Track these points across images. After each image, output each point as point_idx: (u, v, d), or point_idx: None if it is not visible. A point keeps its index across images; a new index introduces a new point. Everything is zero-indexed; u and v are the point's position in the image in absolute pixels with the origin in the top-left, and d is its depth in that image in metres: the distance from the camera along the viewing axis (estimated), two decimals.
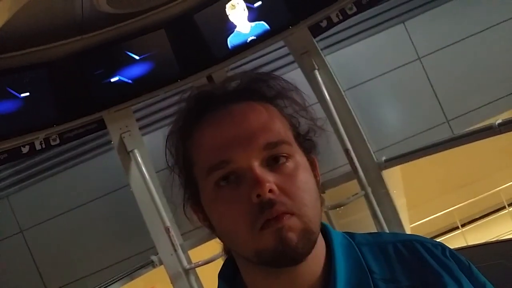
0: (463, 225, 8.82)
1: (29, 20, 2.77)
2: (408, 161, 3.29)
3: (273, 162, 0.74)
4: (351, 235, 0.85)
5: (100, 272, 4.64)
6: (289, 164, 0.74)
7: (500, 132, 2.97)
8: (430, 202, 8.09)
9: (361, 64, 4.81)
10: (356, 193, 3.28)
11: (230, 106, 0.77)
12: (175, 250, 3.41)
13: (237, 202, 0.72)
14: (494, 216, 9.17)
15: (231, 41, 3.20)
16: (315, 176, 0.79)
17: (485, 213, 9.31)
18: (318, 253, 0.78)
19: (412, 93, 5.05)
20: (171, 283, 3.47)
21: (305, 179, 0.75)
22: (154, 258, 3.49)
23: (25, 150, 3.27)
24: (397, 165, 3.29)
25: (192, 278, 3.43)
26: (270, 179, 0.71)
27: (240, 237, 0.73)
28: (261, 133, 0.74)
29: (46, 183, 4.83)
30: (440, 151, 3.16)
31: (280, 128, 0.76)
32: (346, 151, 3.33)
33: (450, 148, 3.11)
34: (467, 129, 3.09)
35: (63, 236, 4.76)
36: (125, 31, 3.15)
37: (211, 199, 0.76)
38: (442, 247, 0.82)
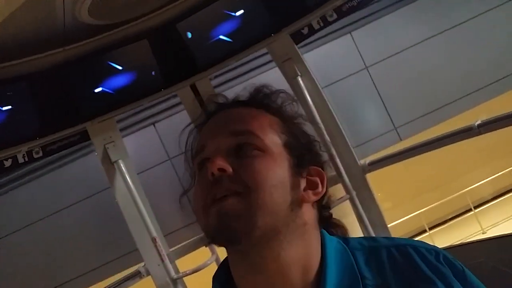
0: (430, 228, 8.98)
1: (10, 33, 2.74)
2: (392, 164, 3.33)
3: (242, 150, 0.80)
4: (346, 240, 0.88)
5: (83, 276, 4.62)
6: (254, 153, 0.80)
7: (480, 133, 3.04)
8: (399, 206, 8.24)
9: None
10: (341, 197, 3.31)
11: (229, 110, 0.88)
12: (162, 260, 3.39)
13: (202, 181, 0.81)
14: (461, 218, 9.37)
15: (214, 49, 3.22)
16: (301, 182, 0.85)
17: (453, 215, 9.52)
18: (308, 255, 0.81)
19: (360, 101, 5.19)
20: None
21: (265, 165, 0.79)
22: (141, 269, 3.47)
23: (7, 163, 3.23)
24: (381, 167, 3.33)
25: None
26: (224, 160, 0.78)
27: (198, 213, 0.81)
28: (231, 123, 0.83)
29: (27, 187, 4.81)
30: (422, 153, 3.22)
31: (256, 124, 0.83)
32: (330, 156, 3.37)
33: (433, 149, 3.17)
34: (444, 133, 3.13)
35: (45, 240, 4.73)
36: (107, 42, 3.14)
37: (196, 183, 0.85)
38: (436, 252, 0.83)
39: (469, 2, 5.30)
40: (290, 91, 1.01)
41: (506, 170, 8.99)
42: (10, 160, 3.23)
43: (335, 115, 3.41)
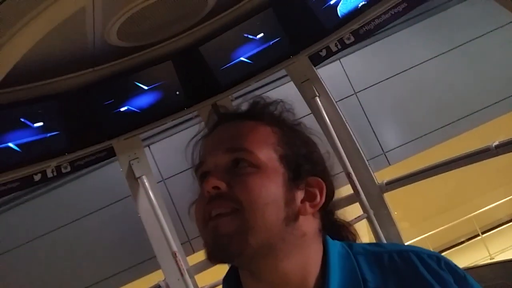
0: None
1: (43, 54, 2.91)
2: (409, 184, 3.35)
3: (236, 167, 0.83)
4: (349, 245, 0.89)
5: (103, 281, 4.74)
6: (249, 169, 0.82)
7: (497, 154, 3.04)
8: (406, 229, 8.12)
9: (297, 102, 4.97)
10: (358, 216, 3.34)
11: (229, 123, 0.91)
12: (182, 275, 3.46)
13: (200, 198, 0.84)
14: (468, 243, 9.14)
15: (235, 70, 3.34)
16: (297, 195, 0.85)
17: (461, 240, 9.31)
18: (308, 263, 0.83)
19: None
20: None
21: (259, 183, 0.80)
22: (161, 283, 3.54)
23: (37, 178, 3.38)
24: (398, 187, 3.35)
25: None
26: (219, 178, 0.81)
27: (198, 229, 0.84)
28: (227, 140, 0.86)
29: (43, 199, 4.97)
30: (439, 173, 3.22)
31: (251, 139, 0.85)
32: (348, 175, 3.41)
33: (449, 170, 3.17)
34: (463, 153, 3.15)
35: (58, 250, 4.87)
36: (134, 63, 3.30)
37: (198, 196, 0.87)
38: (438, 257, 0.83)
39: (456, 30, 5.34)
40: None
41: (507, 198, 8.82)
42: (39, 175, 3.38)
43: (353, 135, 3.47)
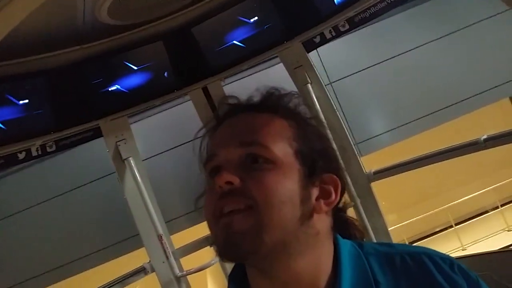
0: (410, 243, 9.00)
1: (31, 29, 2.82)
2: (397, 173, 3.37)
3: (251, 162, 0.79)
4: (360, 245, 0.88)
5: (87, 256, 4.74)
6: (264, 166, 0.79)
7: (486, 147, 3.07)
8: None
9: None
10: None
11: (241, 115, 0.87)
12: (167, 258, 3.45)
13: (211, 193, 0.81)
14: (442, 234, 9.37)
15: (227, 54, 3.29)
16: (322, 193, 0.83)
17: (434, 231, 9.55)
18: (320, 259, 0.81)
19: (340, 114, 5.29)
20: None
21: (274, 180, 0.78)
22: (146, 265, 3.52)
23: (21, 156, 3.31)
24: (386, 177, 3.37)
25: (184, 286, 3.47)
26: (232, 173, 0.77)
27: (208, 224, 0.81)
28: (242, 133, 0.82)
29: (34, 169, 4.91)
30: (427, 165, 3.25)
31: (266, 133, 0.82)
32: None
33: (437, 162, 3.20)
34: (451, 145, 3.17)
35: (50, 221, 4.84)
36: (124, 42, 3.22)
37: (206, 190, 0.84)
38: (451, 261, 0.82)
39: (446, 17, 5.34)
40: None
41: (489, 188, 9.02)
42: (24, 153, 3.31)
43: (343, 123, 3.47)
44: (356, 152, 3.48)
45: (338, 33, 3.24)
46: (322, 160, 0.86)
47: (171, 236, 3.66)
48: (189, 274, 3.46)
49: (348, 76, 5.27)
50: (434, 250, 0.86)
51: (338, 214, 0.91)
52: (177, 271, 3.44)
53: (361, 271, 0.81)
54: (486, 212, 9.69)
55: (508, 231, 8.89)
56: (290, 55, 3.36)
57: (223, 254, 0.78)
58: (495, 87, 5.35)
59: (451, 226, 9.14)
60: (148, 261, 3.51)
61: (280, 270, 0.79)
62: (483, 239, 8.77)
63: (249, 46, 3.24)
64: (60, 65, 3.17)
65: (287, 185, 0.79)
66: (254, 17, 3.18)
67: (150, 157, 4.93)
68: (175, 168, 4.91)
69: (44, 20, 2.78)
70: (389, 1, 3.06)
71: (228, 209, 0.76)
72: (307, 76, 3.35)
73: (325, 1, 3.06)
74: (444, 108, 5.28)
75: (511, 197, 9.84)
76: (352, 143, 3.47)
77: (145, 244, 3.51)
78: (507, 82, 5.36)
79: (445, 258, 0.83)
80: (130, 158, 3.46)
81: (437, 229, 9.50)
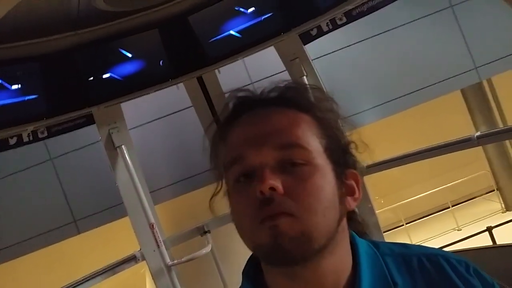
0: None
1: (24, 13, 2.78)
2: (389, 168, 3.40)
3: (290, 165, 0.76)
4: (375, 244, 0.87)
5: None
6: (304, 169, 0.76)
7: (478, 144, 3.10)
8: None
9: None
10: None
11: (261, 110, 0.81)
12: (158, 246, 3.46)
13: (246, 197, 0.76)
14: (392, 232, 9.51)
15: (223, 44, 3.26)
16: (342, 189, 0.80)
17: (386, 229, 9.74)
18: (342, 259, 0.80)
19: None
20: (153, 279, 3.52)
21: (317, 186, 0.76)
22: (137, 253, 3.53)
23: (12, 141, 3.28)
24: (379, 171, 3.39)
25: (174, 275, 3.48)
26: (275, 178, 0.74)
27: (244, 229, 0.78)
28: (276, 134, 0.77)
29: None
30: (420, 160, 3.28)
31: (300, 133, 0.78)
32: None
33: (430, 157, 3.23)
34: (443, 142, 3.20)
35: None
36: (119, 29, 3.18)
37: (231, 193, 0.80)
38: (467, 264, 0.82)
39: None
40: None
41: (440, 187, 9.13)
42: (15, 138, 3.28)
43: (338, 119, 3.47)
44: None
45: (335, 26, 3.24)
46: (346, 156, 0.84)
47: (155, 206, 3.69)
48: (180, 263, 3.47)
49: (329, 53, 5.22)
50: (450, 252, 0.86)
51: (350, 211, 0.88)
52: (168, 260, 3.45)
53: (378, 272, 0.81)
54: (438, 211, 9.80)
55: (458, 230, 8.99)
56: (286, 47, 3.35)
57: (270, 259, 0.76)
58: (477, 67, 5.35)
59: (401, 225, 9.23)
60: (139, 249, 3.52)
61: (311, 270, 0.77)
62: (434, 237, 8.86)
63: (245, 36, 3.22)
64: (53, 50, 3.12)
65: (328, 189, 0.77)
66: (251, 8, 3.15)
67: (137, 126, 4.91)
68: (162, 138, 4.89)
69: (38, 5, 2.74)
70: None
71: (271, 212, 0.73)
72: (303, 69, 3.34)
73: None
74: (428, 86, 5.26)
75: (463, 198, 9.98)
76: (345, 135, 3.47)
77: (136, 232, 3.51)
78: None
79: (461, 261, 0.83)
80: (123, 146, 3.44)
81: (388, 228, 9.56)
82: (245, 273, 0.87)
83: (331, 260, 0.78)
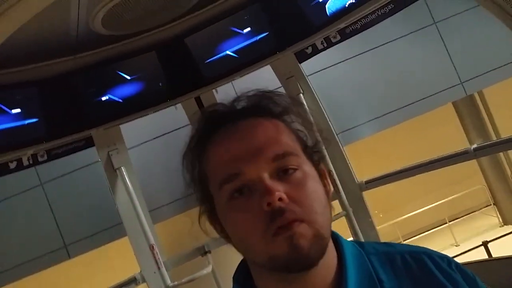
0: None
1: (24, 39, 2.83)
2: (388, 183, 3.41)
3: (282, 173, 0.77)
4: (360, 244, 0.89)
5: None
6: (298, 174, 0.78)
7: (476, 157, 3.12)
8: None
9: None
10: (338, 213, 3.38)
11: (238, 123, 0.82)
12: (159, 268, 3.44)
13: (250, 211, 0.76)
14: None
15: (220, 64, 3.31)
16: (325, 185, 0.83)
17: None
18: (329, 260, 0.81)
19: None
20: None
21: (313, 188, 0.78)
22: (137, 275, 3.50)
23: (12, 165, 3.29)
24: (377, 186, 3.40)
25: None
26: (279, 189, 0.75)
27: (254, 244, 0.77)
28: (268, 146, 0.78)
29: None
30: (418, 174, 3.29)
31: (287, 141, 0.80)
32: (329, 172, 3.44)
33: (428, 171, 3.24)
34: (441, 155, 3.22)
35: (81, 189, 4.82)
36: (117, 52, 3.23)
37: (226, 210, 0.80)
38: (448, 260, 0.85)
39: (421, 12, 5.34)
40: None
41: (435, 204, 9.11)
42: (15, 162, 3.29)
43: (335, 133, 3.50)
44: (348, 162, 3.51)
45: (330, 44, 3.29)
46: (317, 153, 0.86)
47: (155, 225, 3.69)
48: (181, 284, 3.44)
49: (323, 69, 5.26)
50: (432, 250, 0.88)
51: None
52: (168, 281, 3.42)
53: (364, 270, 0.82)
54: (435, 227, 9.74)
55: (456, 246, 8.92)
56: (282, 65, 3.40)
57: (289, 267, 0.76)
58: (463, 82, 5.40)
59: (399, 242, 9.12)
60: (139, 271, 3.50)
61: (309, 271, 0.78)
62: None
63: (242, 56, 3.27)
64: (53, 74, 3.17)
65: (319, 189, 0.80)
66: (247, 28, 3.21)
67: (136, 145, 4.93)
68: (161, 156, 4.89)
69: (37, 30, 2.78)
70: (380, 13, 3.12)
71: (285, 222, 0.74)
72: (299, 86, 3.38)
73: (317, 12, 3.10)
74: (417, 101, 5.29)
75: (460, 213, 9.94)
76: (344, 152, 3.49)
77: (136, 254, 3.49)
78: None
79: (443, 257, 0.85)
80: (122, 168, 3.45)
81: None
82: (235, 278, 0.88)
83: (324, 259, 0.79)
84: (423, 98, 5.36)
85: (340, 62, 5.33)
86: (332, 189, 0.86)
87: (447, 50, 5.47)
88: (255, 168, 0.77)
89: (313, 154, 0.84)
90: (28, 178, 4.86)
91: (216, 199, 0.81)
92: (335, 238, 0.86)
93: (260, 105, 0.84)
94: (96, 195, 4.71)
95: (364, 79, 5.38)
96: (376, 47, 5.38)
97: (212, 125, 0.84)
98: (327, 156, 3.43)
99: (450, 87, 5.46)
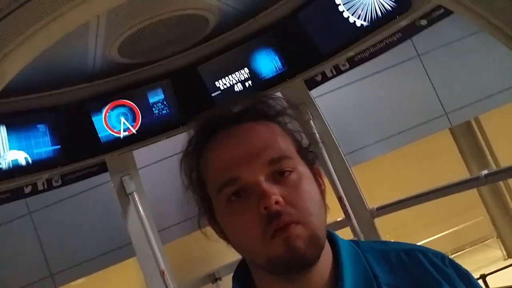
0: None
1: (42, 67, 2.93)
2: (400, 209, 3.39)
3: (278, 175, 0.79)
4: (355, 242, 0.90)
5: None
6: (293, 177, 0.80)
7: (486, 183, 3.11)
8: None
9: None
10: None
11: (234, 128, 0.83)
12: None
13: (248, 214, 0.78)
14: None
15: (231, 90, 3.38)
16: (319, 186, 0.85)
17: None
18: (326, 259, 0.83)
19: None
20: None
21: (308, 189, 0.80)
22: None
23: (27, 190, 3.35)
24: (389, 213, 3.39)
25: None
26: (276, 192, 0.77)
27: (252, 246, 0.79)
28: (264, 150, 0.80)
29: None
30: (429, 200, 3.27)
31: (282, 144, 0.82)
32: (340, 199, 3.45)
33: (439, 197, 3.22)
34: (452, 181, 3.21)
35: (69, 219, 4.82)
36: (132, 80, 3.33)
37: (225, 213, 0.82)
38: (442, 256, 0.87)
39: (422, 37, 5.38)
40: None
41: (437, 236, 8.97)
42: (30, 187, 3.36)
43: (345, 159, 3.51)
44: (359, 189, 3.51)
45: (339, 72, 3.35)
46: (311, 153, 0.87)
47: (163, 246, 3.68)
48: None
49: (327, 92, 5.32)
50: (426, 247, 0.90)
51: None
52: None
53: (360, 267, 0.85)
54: None
55: None
56: (292, 92, 3.45)
57: (287, 268, 0.78)
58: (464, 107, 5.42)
59: None
60: None
61: (309, 271, 0.80)
62: None
63: (253, 83, 3.34)
64: (69, 101, 3.26)
65: (314, 189, 0.82)
66: (257, 57, 3.29)
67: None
68: (170, 177, 4.87)
69: (55, 59, 2.88)
70: (388, 42, 3.18)
71: (281, 224, 0.76)
72: (309, 113, 3.43)
73: (326, 41, 3.17)
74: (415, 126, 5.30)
75: (463, 246, 9.76)
76: (355, 179, 3.50)
77: (146, 279, 3.49)
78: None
79: (437, 254, 0.87)
80: (135, 193, 3.49)
81: None
82: (235, 277, 0.90)
83: (321, 258, 0.81)
84: (406, 130, 5.40)
85: (322, 95, 5.41)
86: (325, 188, 0.87)
87: (431, 82, 5.56)
88: (252, 172, 0.79)
89: (307, 154, 0.86)
90: (18, 207, 4.91)
91: (215, 203, 0.84)
92: (331, 236, 0.88)
93: (256, 109, 0.86)
94: (86, 224, 4.75)
95: (346, 112, 5.41)
96: (361, 79, 5.44)
97: (209, 130, 0.86)
98: (337, 182, 3.45)
99: (434, 118, 5.51)
